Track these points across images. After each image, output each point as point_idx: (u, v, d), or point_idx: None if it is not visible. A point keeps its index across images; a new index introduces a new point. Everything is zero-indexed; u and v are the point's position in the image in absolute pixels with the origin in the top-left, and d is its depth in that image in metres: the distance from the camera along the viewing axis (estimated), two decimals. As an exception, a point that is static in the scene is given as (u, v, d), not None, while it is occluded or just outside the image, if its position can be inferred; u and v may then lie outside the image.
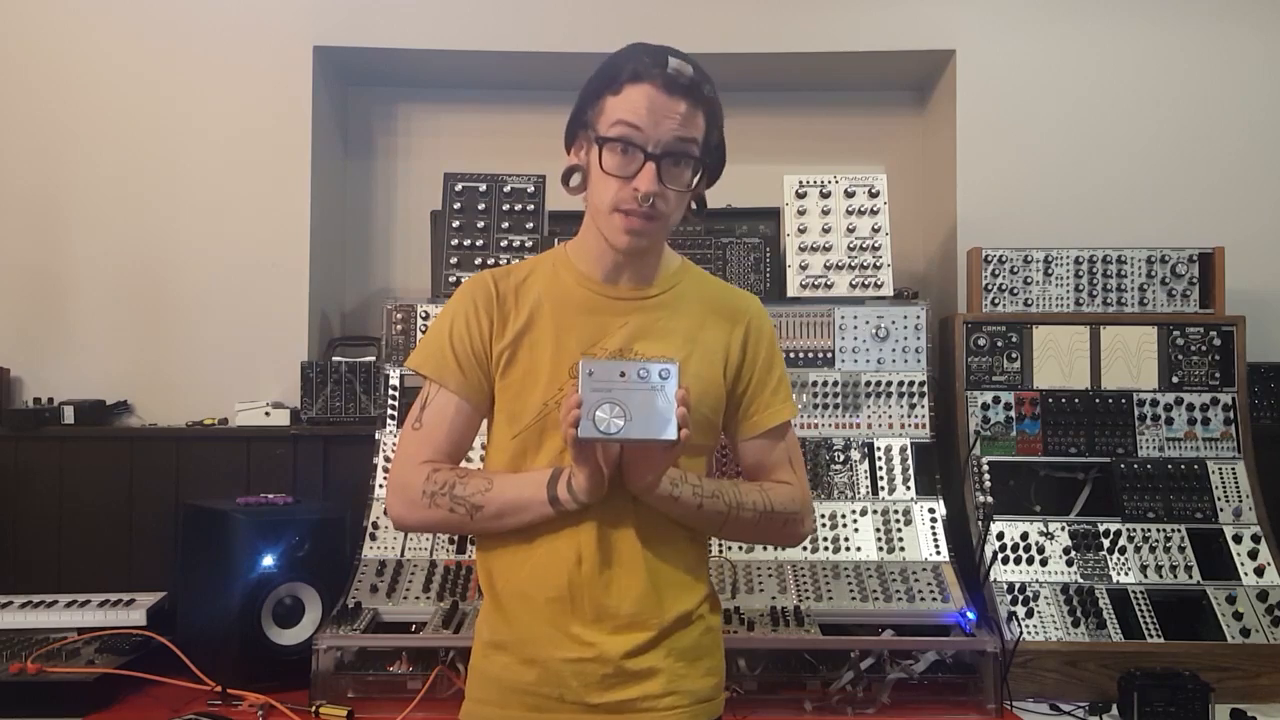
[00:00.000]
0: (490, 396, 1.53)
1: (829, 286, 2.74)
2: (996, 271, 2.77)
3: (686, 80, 1.40)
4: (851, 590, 2.38)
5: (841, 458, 2.62)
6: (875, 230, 2.78)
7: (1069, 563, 2.47)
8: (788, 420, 1.59)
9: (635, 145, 1.40)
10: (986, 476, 2.58)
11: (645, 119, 1.39)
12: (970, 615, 2.27)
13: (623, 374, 1.30)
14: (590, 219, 1.51)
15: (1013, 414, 2.66)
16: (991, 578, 2.42)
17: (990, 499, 2.54)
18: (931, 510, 2.55)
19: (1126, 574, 2.45)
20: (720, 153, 1.51)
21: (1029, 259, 2.77)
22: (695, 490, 1.44)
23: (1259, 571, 2.44)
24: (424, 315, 2.72)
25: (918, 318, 2.70)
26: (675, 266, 1.58)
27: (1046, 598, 2.39)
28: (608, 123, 1.41)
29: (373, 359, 2.89)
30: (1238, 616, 2.35)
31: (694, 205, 1.53)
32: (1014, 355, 2.70)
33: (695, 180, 1.45)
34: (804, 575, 2.43)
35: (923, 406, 2.66)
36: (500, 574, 1.51)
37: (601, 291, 1.52)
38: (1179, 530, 2.51)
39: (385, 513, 2.48)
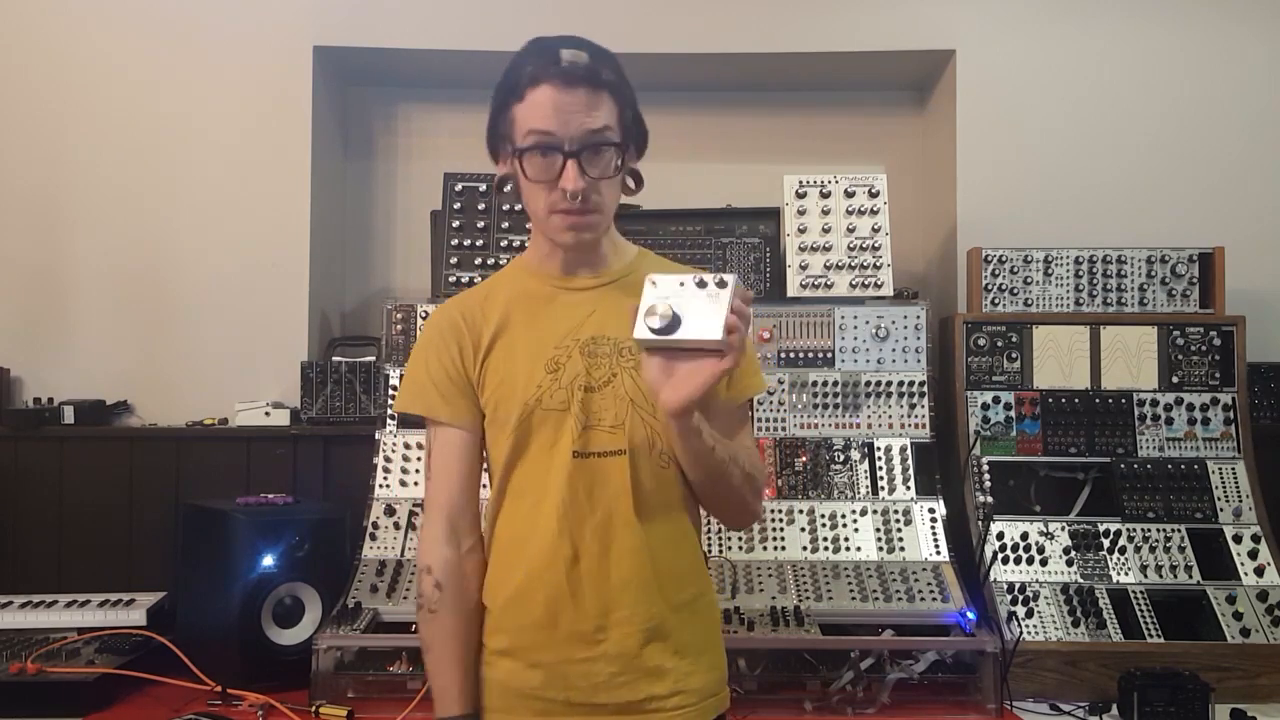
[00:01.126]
0: (481, 417, 1.54)
1: (829, 286, 2.74)
2: (996, 271, 2.77)
3: (582, 70, 1.41)
4: (851, 590, 2.38)
5: (841, 458, 2.62)
6: (875, 230, 2.77)
7: (1069, 563, 2.47)
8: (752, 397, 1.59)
9: (551, 148, 1.41)
10: (986, 476, 2.58)
11: (553, 121, 1.40)
12: (970, 615, 2.27)
13: (682, 284, 1.31)
14: (535, 226, 1.53)
15: (1013, 414, 2.66)
16: (991, 578, 2.42)
17: (990, 499, 2.54)
18: (931, 510, 2.55)
19: (1126, 574, 2.45)
20: (641, 126, 1.51)
21: (1029, 259, 2.77)
22: (710, 434, 1.42)
23: (1259, 571, 2.44)
24: (424, 315, 2.72)
25: (918, 318, 2.70)
26: (633, 254, 1.59)
27: (1046, 598, 2.39)
28: (521, 133, 1.43)
29: (373, 359, 2.89)
30: (1238, 616, 2.35)
31: (630, 183, 1.53)
32: (1014, 355, 2.70)
33: (620, 163, 1.46)
34: (804, 575, 2.43)
35: (923, 406, 2.65)
36: (497, 583, 1.51)
37: (563, 285, 1.54)
38: (1179, 530, 2.51)
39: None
